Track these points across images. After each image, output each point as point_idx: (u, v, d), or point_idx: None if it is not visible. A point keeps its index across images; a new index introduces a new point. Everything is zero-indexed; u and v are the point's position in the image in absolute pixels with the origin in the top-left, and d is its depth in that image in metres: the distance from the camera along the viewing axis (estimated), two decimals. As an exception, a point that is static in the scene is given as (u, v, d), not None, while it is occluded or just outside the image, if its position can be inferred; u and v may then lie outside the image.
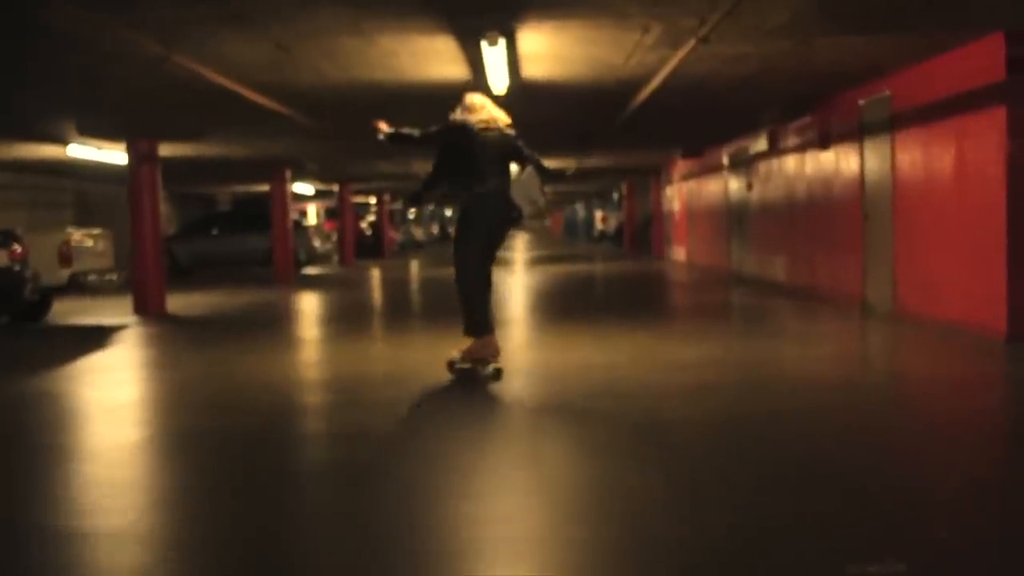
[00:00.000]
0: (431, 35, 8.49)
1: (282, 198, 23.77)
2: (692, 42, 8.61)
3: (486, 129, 7.83)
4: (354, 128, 15.16)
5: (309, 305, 16.66)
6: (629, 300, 16.07)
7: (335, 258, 32.86)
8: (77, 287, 13.60)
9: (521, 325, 12.05)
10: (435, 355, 8.92)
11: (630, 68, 10.31)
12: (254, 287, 21.16)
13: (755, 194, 18.11)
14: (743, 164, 19.00)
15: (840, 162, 13.39)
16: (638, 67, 10.26)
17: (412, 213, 52.78)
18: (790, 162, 15.80)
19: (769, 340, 10.21)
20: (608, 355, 9.11)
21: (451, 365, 7.86)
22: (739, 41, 8.86)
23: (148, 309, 15.13)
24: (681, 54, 9.18)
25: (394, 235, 41.71)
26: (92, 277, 13.72)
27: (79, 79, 10.75)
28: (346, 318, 14.23)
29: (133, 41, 7.97)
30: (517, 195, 7.76)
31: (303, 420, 6.89)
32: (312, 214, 38.70)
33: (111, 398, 7.80)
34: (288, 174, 23.80)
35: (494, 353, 7.82)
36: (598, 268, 26.18)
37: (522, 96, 12.05)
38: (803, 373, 8.02)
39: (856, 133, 12.73)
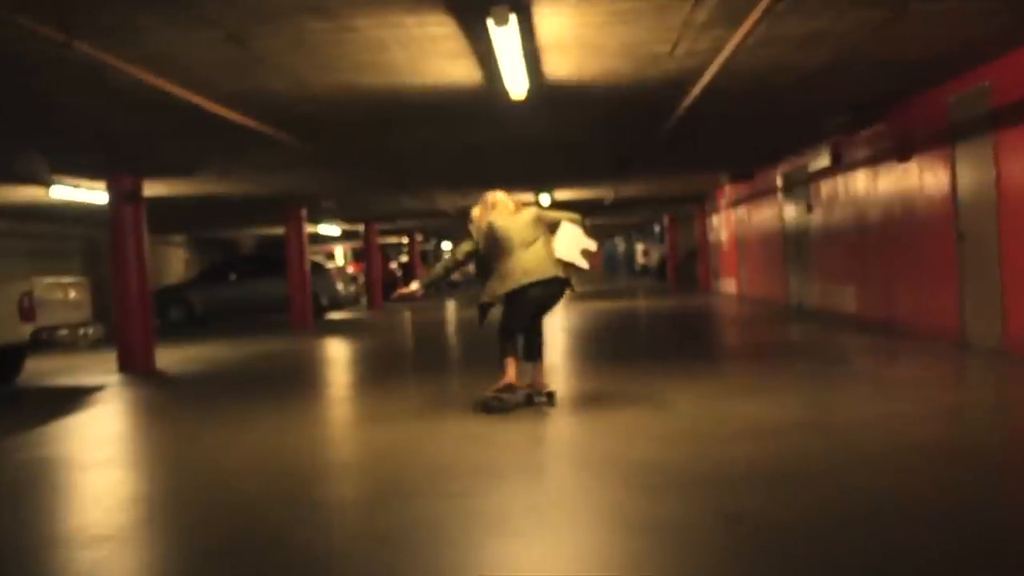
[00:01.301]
0: (420, 14, 6.63)
1: (298, 239, 22.08)
2: (756, 14, 6.71)
3: (513, 214, 7.88)
4: (355, 152, 13.45)
5: (325, 357, 14.83)
6: (680, 341, 14.07)
7: (363, 301, 31.13)
8: (43, 345, 11.83)
9: (559, 376, 10.16)
10: (464, 425, 7.05)
11: (676, 60, 8.43)
12: (268, 336, 19.40)
13: (816, 217, 16.13)
14: (801, 184, 17.02)
15: (924, 174, 11.41)
16: (686, 58, 8.37)
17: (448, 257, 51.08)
18: (859, 178, 13.81)
19: (861, 389, 8.20)
20: (664, 420, 7.14)
21: (484, 406, 7.86)
22: (818, 8, 6.97)
23: (134, 367, 13.38)
24: (740, 34, 7.27)
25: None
26: (63, 332, 11.95)
27: (37, 106, 9.10)
28: (367, 373, 12.35)
29: (33, 32, 6.18)
30: (567, 253, 7.79)
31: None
32: (339, 255, 37.07)
33: (28, 520, 5.95)
34: (304, 213, 22.11)
35: (511, 381, 7.83)
36: (642, 304, 24.21)
37: (546, 105, 10.20)
38: (929, 440, 6.02)
39: (944, 138, 10.76)
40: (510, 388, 7.85)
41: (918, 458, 5.49)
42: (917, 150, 11.56)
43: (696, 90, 9.44)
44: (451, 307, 28.73)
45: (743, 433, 6.36)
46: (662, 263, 39.08)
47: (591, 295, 30.02)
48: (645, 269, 43.62)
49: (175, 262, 31.90)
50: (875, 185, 13.14)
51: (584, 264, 7.89)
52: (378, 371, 12.36)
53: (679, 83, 9.45)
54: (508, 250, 7.66)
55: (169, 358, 14.91)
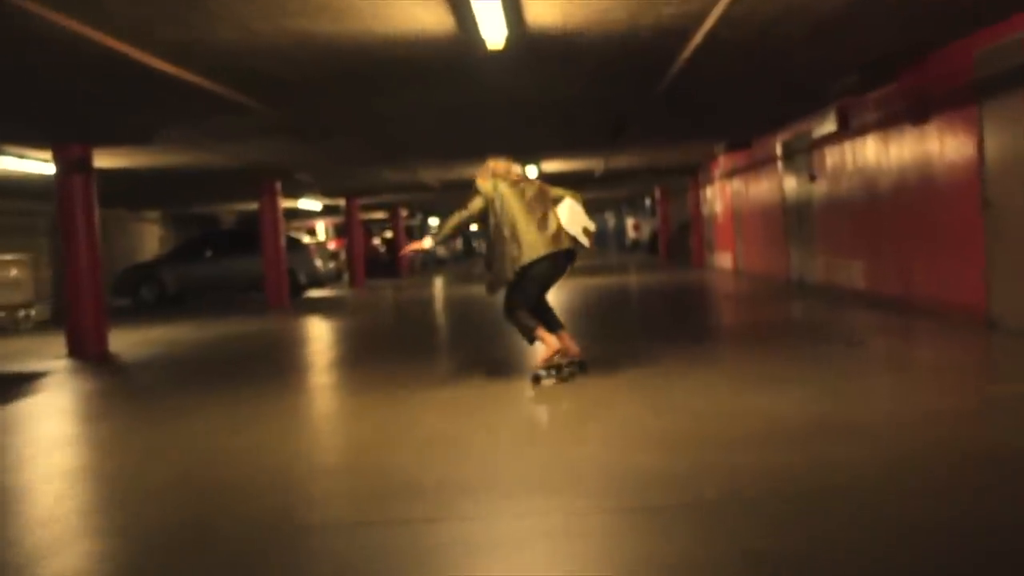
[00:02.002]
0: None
1: (273, 214, 21.01)
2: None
3: (518, 183, 7.78)
4: (323, 117, 12.39)
5: (296, 339, 13.82)
6: (678, 320, 13.07)
7: (344, 278, 30.09)
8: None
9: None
10: (458, 419, 6.09)
11: (674, 2, 7.39)
12: (240, 316, 18.37)
13: (820, 187, 15.13)
14: (802, 152, 16.01)
15: (944, 137, 10.40)
16: (684, 1, 7.34)
17: (439, 248, 49.98)
18: (868, 144, 12.81)
19: (888, 378, 7.22)
20: (663, 418, 6.13)
21: (536, 379, 7.72)
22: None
23: (84, 351, 12.35)
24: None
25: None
26: (0, 314, 10.91)
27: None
28: (341, 358, 11.33)
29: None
30: (572, 228, 7.70)
31: None
32: (321, 231, 35.98)
33: None
34: (278, 187, 21.03)
35: (559, 348, 7.68)
36: (635, 280, 23.22)
37: (530, 59, 9.17)
38: (990, 446, 5.04)
39: (969, 97, 9.74)
40: (562, 353, 7.74)
41: (987, 472, 4.50)
42: (936, 111, 10.55)
43: (696, 38, 8.40)
44: (438, 284, 27.71)
45: (756, 436, 5.36)
46: (653, 237, 38.08)
47: (582, 270, 29.02)
48: (636, 244, 42.63)
49: (150, 239, 30.80)
50: (887, 151, 12.14)
51: (585, 242, 7.80)
52: (353, 355, 11.36)
53: (677, 32, 8.42)
54: (516, 221, 7.52)
55: (127, 340, 13.89)
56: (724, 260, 23.84)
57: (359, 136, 14.70)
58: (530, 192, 7.68)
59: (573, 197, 7.82)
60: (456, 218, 7.80)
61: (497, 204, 7.57)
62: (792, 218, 16.97)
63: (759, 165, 19.17)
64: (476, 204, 7.68)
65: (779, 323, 11.45)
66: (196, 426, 6.97)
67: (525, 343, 8.23)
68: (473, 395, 7.48)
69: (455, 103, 12.04)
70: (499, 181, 7.70)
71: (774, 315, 12.55)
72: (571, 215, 7.70)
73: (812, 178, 15.49)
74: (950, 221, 10.37)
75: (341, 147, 16.21)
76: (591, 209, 54.39)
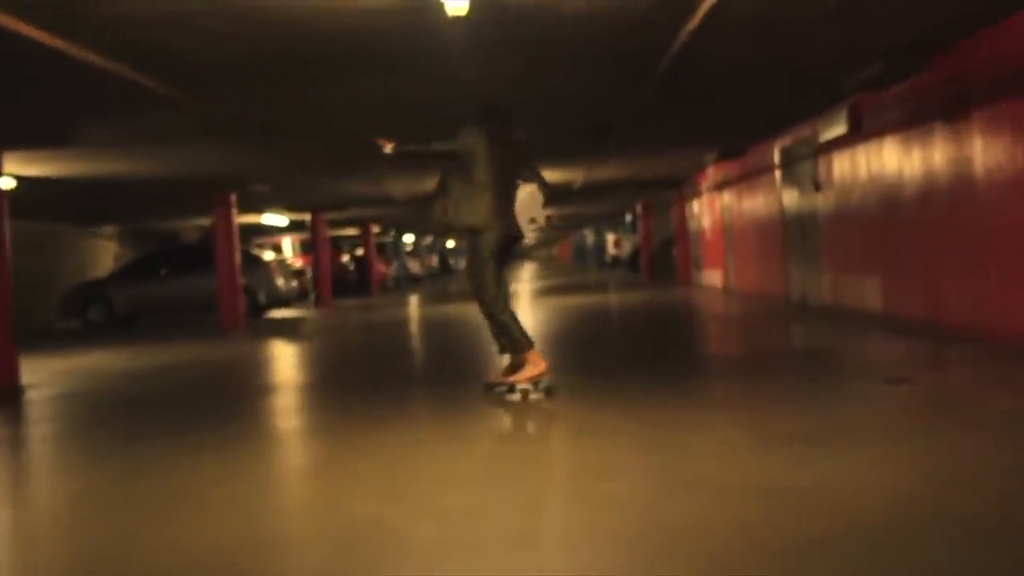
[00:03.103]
0: None
1: (227, 229, 19.37)
2: None
3: (502, 144, 7.31)
4: (264, 115, 10.82)
5: (248, 369, 12.18)
6: (673, 348, 11.47)
7: (311, 297, 28.43)
8: None
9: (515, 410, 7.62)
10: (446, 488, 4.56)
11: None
12: (188, 340, 16.73)
13: (827, 197, 13.64)
14: (805, 159, 14.53)
15: (989, 136, 8.92)
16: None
17: (411, 242, 48.39)
18: (888, 147, 11.32)
19: (968, 433, 5.49)
20: (685, 495, 4.47)
21: (490, 387, 7.42)
22: None
23: (-9, 383, 10.69)
24: None
25: (384, 269, 37.18)
26: None
27: None
28: (298, 393, 9.68)
29: None
30: (521, 213, 7.28)
31: None
32: (287, 248, 34.34)
33: None
34: (233, 199, 19.40)
35: (543, 371, 7.24)
36: (618, 300, 21.66)
37: (500, 37, 7.64)
38: None
39: (1022, 86, 8.28)
40: (545, 374, 7.25)
41: None
42: (978, 105, 9.07)
43: (701, 8, 6.89)
44: (412, 303, 26.09)
45: (827, 535, 3.69)
46: (635, 254, 36.62)
47: (560, 289, 27.50)
48: (616, 260, 41.15)
49: (104, 256, 29.06)
50: (910, 154, 10.66)
51: (529, 234, 7.52)
52: (310, 390, 9.74)
53: (673, 5, 6.91)
54: (488, 180, 7.14)
55: (49, 370, 12.25)
56: (712, 277, 22.35)
57: (311, 140, 13.13)
58: (517, 155, 7.41)
59: (541, 181, 7.47)
60: (419, 147, 7.63)
61: (474, 156, 7.21)
62: (792, 232, 15.48)
63: (754, 175, 17.70)
64: (451, 145, 7.35)
65: (792, 351, 9.89)
66: (93, 499, 5.35)
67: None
68: (440, 450, 5.91)
69: (416, 97, 10.51)
70: (491, 135, 7.28)
71: (783, 341, 11.01)
72: (526, 203, 7.31)
73: (817, 187, 14.01)
74: (995, 233, 8.87)
75: (294, 154, 14.64)
76: (569, 226, 52.82)
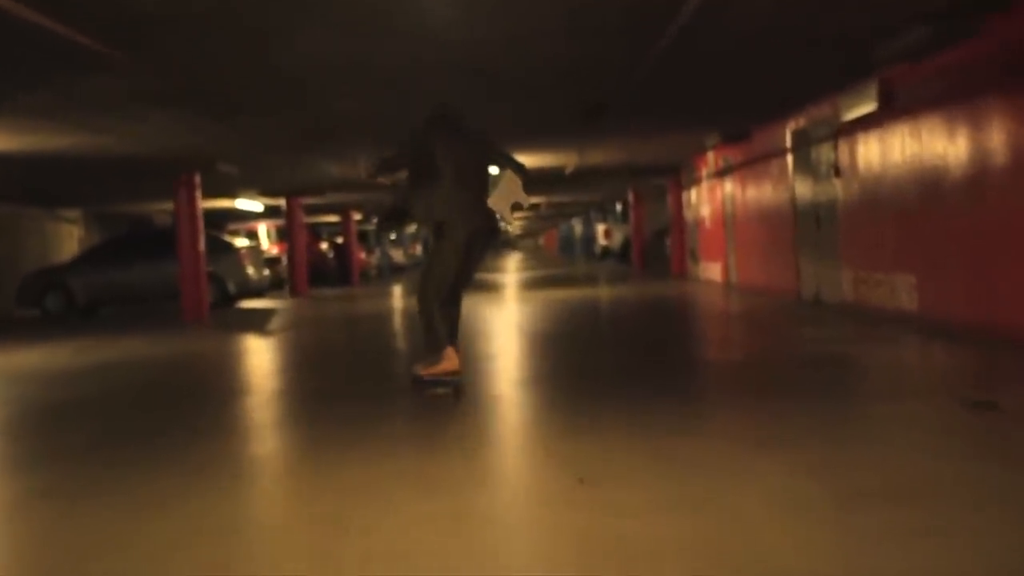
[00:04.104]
0: None
1: (190, 212, 17.95)
2: None
3: (457, 140, 7.17)
4: (216, 79, 9.44)
5: (202, 371, 10.79)
6: (679, 354, 10.06)
7: (286, 287, 27.00)
8: None
9: (499, 428, 6.29)
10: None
11: None
12: (147, 333, 15.32)
13: (847, 184, 12.31)
14: (822, 142, 13.19)
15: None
16: None
17: (392, 234, 46.90)
18: (927, 126, 9.99)
19: None
20: None
21: (416, 380, 7.40)
22: None
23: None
24: None
25: (365, 258, 35.69)
26: None
27: None
28: (258, 408, 8.26)
29: None
30: (499, 203, 7.12)
31: None
32: (263, 234, 32.84)
33: None
34: (197, 180, 17.97)
35: (455, 368, 7.24)
36: (609, 294, 20.29)
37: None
38: None
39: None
40: (456, 373, 7.28)
41: None
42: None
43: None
44: (394, 294, 24.68)
45: None
46: (626, 245, 35.30)
47: (547, 281, 26.14)
48: (607, 252, 39.77)
49: (68, 241, 27.61)
50: (957, 133, 9.33)
51: (510, 219, 7.36)
52: (263, 401, 8.34)
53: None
54: (446, 176, 7.04)
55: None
56: (711, 271, 21.02)
57: (272, 114, 11.73)
58: (478, 149, 7.32)
59: (514, 166, 7.37)
60: (388, 154, 7.61)
61: (436, 151, 7.09)
62: (805, 223, 14.15)
63: (760, 160, 16.35)
64: (409, 151, 7.26)
65: (826, 360, 8.50)
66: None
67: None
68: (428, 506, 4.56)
69: (385, 60, 9.12)
70: (447, 131, 7.23)
71: (809, 346, 9.64)
72: (504, 190, 7.14)
73: (836, 173, 12.67)
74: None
75: (258, 130, 13.24)
76: (557, 215, 51.47)
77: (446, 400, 7.06)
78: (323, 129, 13.45)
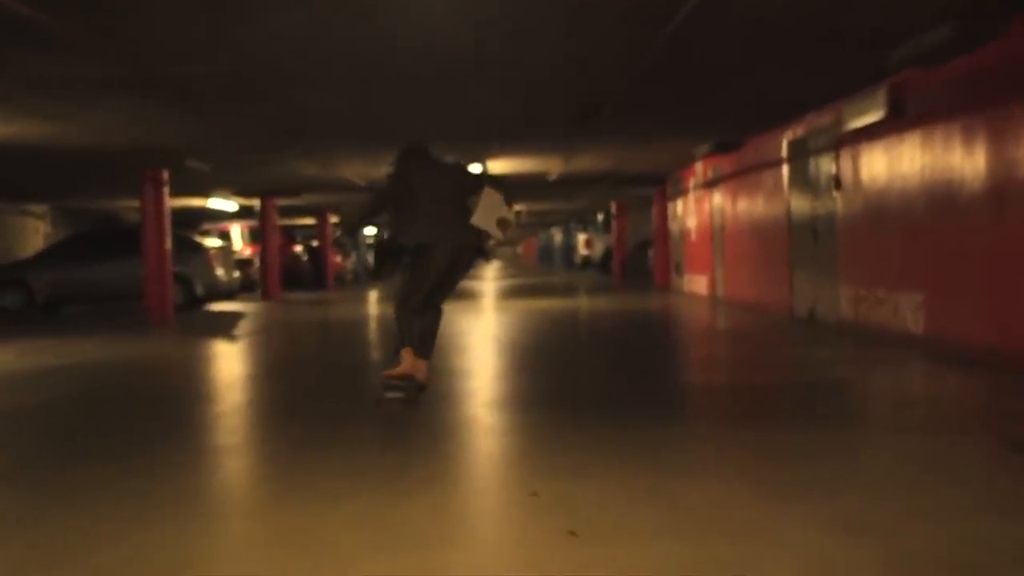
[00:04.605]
0: None
1: (157, 210, 17.16)
2: None
3: (428, 168, 7.20)
4: (168, 59, 8.67)
5: (156, 380, 10.01)
6: (672, 377, 9.31)
7: (258, 290, 26.16)
8: None
9: (476, 462, 5.58)
10: None
11: None
12: (105, 335, 14.51)
13: (851, 196, 11.64)
14: (822, 152, 12.53)
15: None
16: None
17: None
18: (944, 135, 9.32)
19: None
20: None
21: (386, 379, 7.09)
22: None
23: None
24: None
25: (341, 262, 34.82)
26: None
27: None
28: (210, 428, 7.49)
29: None
30: (483, 220, 7.06)
31: None
32: (236, 235, 31.97)
33: None
34: (164, 177, 17.17)
35: (411, 373, 7.00)
36: (591, 305, 19.55)
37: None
38: None
39: None
40: (410, 378, 7.04)
41: None
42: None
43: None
44: (370, 300, 23.89)
45: None
46: (607, 255, 34.61)
47: (525, 291, 25.41)
48: (587, 262, 39.09)
49: (33, 236, 26.71)
50: (976, 144, 8.66)
51: (498, 235, 7.25)
52: (217, 418, 7.57)
53: None
54: (423, 203, 7.02)
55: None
56: (697, 284, 20.34)
57: (240, 102, 10.97)
58: (439, 175, 7.24)
59: (493, 187, 7.22)
60: (359, 210, 7.59)
61: (407, 184, 7.08)
62: (801, 236, 13.48)
63: (753, 170, 15.68)
64: (385, 189, 7.27)
65: (838, 386, 7.73)
66: None
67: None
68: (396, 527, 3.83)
69: (363, 48, 8.39)
70: (414, 163, 7.24)
71: (815, 370, 8.91)
72: (485, 207, 7.08)
73: (837, 185, 12.00)
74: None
75: (225, 122, 12.46)
76: (537, 224, 50.73)
77: (395, 405, 6.83)
78: (295, 124, 12.68)
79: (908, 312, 10.09)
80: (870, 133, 10.88)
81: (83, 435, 6.52)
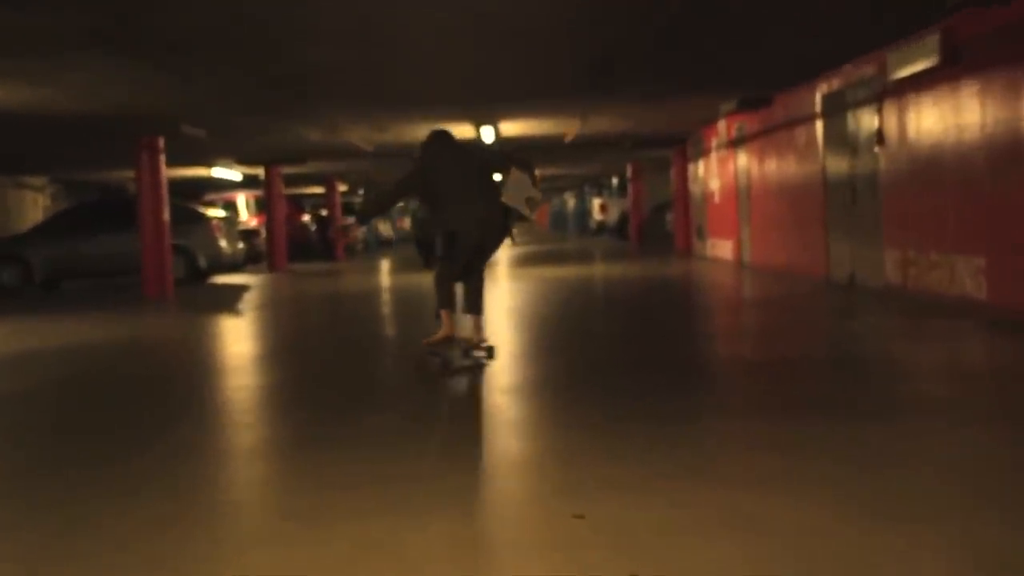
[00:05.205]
0: None
1: (154, 179, 16.33)
2: None
3: (451, 152, 7.33)
4: (159, 19, 7.80)
5: (148, 363, 9.23)
6: (710, 353, 8.40)
7: (264, 261, 25.36)
8: None
9: (502, 470, 4.77)
10: None
11: None
12: (99, 312, 13.75)
13: (896, 151, 10.75)
14: (863, 105, 11.62)
15: None
16: None
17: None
18: (1007, 83, 8.42)
19: None
20: None
21: (426, 347, 7.36)
22: None
23: None
24: None
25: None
26: None
27: None
28: (198, 415, 6.70)
29: None
30: (512, 199, 7.23)
31: None
32: (242, 205, 31.12)
33: None
34: (160, 144, 16.34)
35: (449, 335, 7.25)
36: (610, 273, 18.59)
37: None
38: None
39: None
40: (449, 341, 7.26)
41: None
42: None
43: None
44: (382, 270, 23.06)
45: None
46: (623, 220, 33.67)
47: (540, 259, 24.53)
48: (602, 227, 38.15)
49: (32, 210, 25.93)
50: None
51: (528, 213, 7.33)
52: (201, 407, 6.77)
53: None
54: (449, 190, 7.16)
55: None
56: (721, 249, 19.46)
57: (232, 61, 10.11)
58: (468, 156, 7.42)
59: (519, 168, 7.33)
60: (379, 196, 7.75)
61: (435, 170, 7.23)
62: (838, 196, 12.59)
63: (783, 127, 14.76)
64: (410, 174, 7.41)
65: (908, 365, 6.90)
66: None
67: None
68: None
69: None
70: (438, 149, 7.36)
71: (875, 343, 8.09)
72: (513, 187, 7.24)
73: (879, 140, 11.11)
74: None
75: (218, 83, 11.61)
76: (550, 189, 49.91)
77: (434, 373, 7.01)
78: (292, 84, 11.81)
79: (967, 277, 9.22)
80: (917, 83, 9.97)
81: (52, 432, 5.72)
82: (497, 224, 7.26)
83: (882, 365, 6.89)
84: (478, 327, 7.40)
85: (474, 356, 7.30)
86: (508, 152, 7.57)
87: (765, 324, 9.96)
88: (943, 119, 9.60)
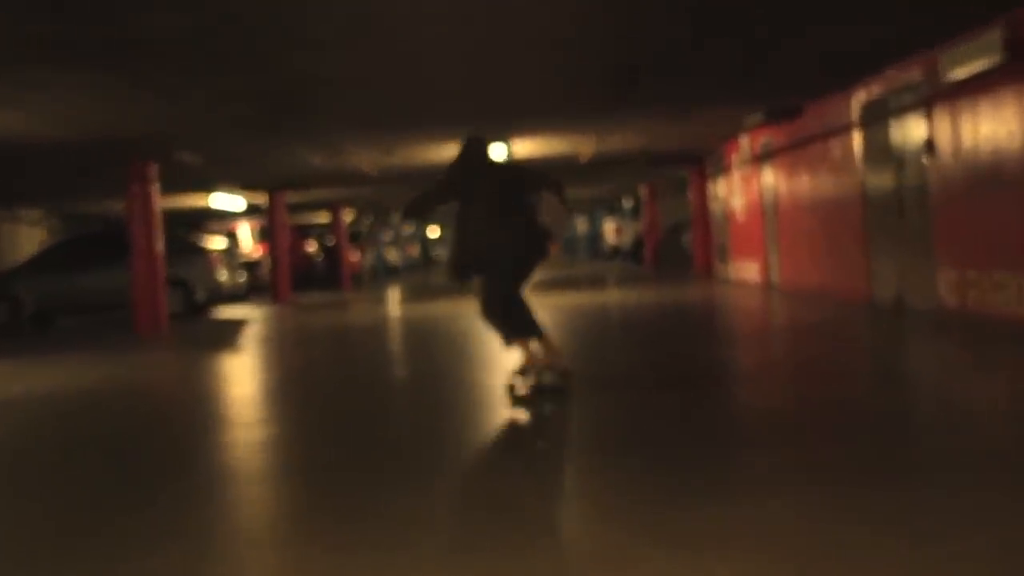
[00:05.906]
0: None
1: (146, 209, 15.42)
2: None
3: (485, 176, 7.13)
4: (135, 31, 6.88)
5: (121, 415, 8.27)
6: (770, 397, 7.50)
7: (268, 293, 24.44)
8: None
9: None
10: None
11: None
12: (85, 350, 12.82)
13: (949, 160, 9.78)
14: (908, 111, 10.66)
15: None
16: None
17: (397, 229, 44.37)
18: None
19: None
20: None
21: (511, 390, 7.13)
22: None
23: None
24: None
25: (356, 259, 32.96)
26: None
27: None
28: (172, 495, 5.76)
29: None
30: (546, 221, 7.15)
31: None
32: (245, 235, 30.24)
33: None
34: (153, 172, 15.45)
35: (558, 355, 7.17)
36: (629, 300, 17.49)
37: None
38: None
39: None
40: (535, 366, 7.10)
41: None
42: None
43: None
44: (391, 300, 22.08)
45: None
46: (637, 243, 32.73)
47: (552, 285, 23.51)
48: (616, 251, 37.19)
49: (28, 244, 25.08)
50: None
51: (560, 233, 7.22)
52: (179, 478, 5.81)
53: None
54: (482, 216, 7.04)
55: None
56: (746, 271, 18.47)
57: (220, 72, 9.18)
58: (505, 177, 7.18)
59: (549, 186, 7.18)
60: (422, 196, 7.26)
61: (467, 189, 7.08)
62: (880, 212, 11.62)
63: (815, 140, 13.80)
64: (438, 188, 7.15)
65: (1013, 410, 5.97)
66: None
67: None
68: None
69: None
70: (472, 170, 7.15)
71: (968, 382, 7.10)
72: (546, 211, 7.12)
73: (929, 149, 10.15)
74: None
75: (207, 101, 10.70)
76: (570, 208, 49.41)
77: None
78: (288, 98, 10.89)
79: (1041, 299, 8.24)
80: (978, 85, 9.01)
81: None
82: (529, 249, 7.11)
83: (981, 413, 5.88)
84: (548, 348, 7.12)
85: (558, 375, 7.09)
86: (537, 174, 7.33)
87: (815, 359, 8.86)
88: (1006, 123, 8.63)
